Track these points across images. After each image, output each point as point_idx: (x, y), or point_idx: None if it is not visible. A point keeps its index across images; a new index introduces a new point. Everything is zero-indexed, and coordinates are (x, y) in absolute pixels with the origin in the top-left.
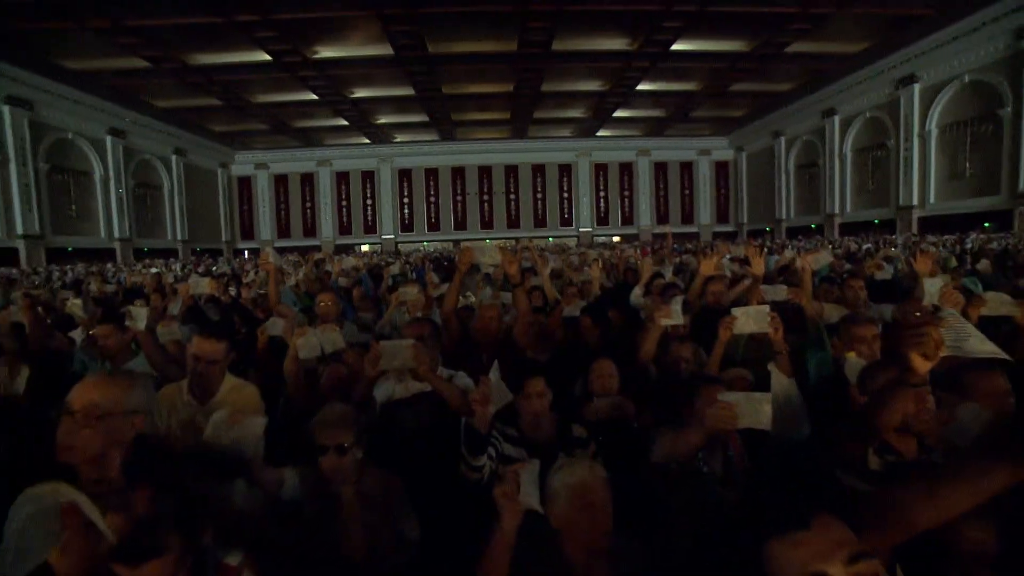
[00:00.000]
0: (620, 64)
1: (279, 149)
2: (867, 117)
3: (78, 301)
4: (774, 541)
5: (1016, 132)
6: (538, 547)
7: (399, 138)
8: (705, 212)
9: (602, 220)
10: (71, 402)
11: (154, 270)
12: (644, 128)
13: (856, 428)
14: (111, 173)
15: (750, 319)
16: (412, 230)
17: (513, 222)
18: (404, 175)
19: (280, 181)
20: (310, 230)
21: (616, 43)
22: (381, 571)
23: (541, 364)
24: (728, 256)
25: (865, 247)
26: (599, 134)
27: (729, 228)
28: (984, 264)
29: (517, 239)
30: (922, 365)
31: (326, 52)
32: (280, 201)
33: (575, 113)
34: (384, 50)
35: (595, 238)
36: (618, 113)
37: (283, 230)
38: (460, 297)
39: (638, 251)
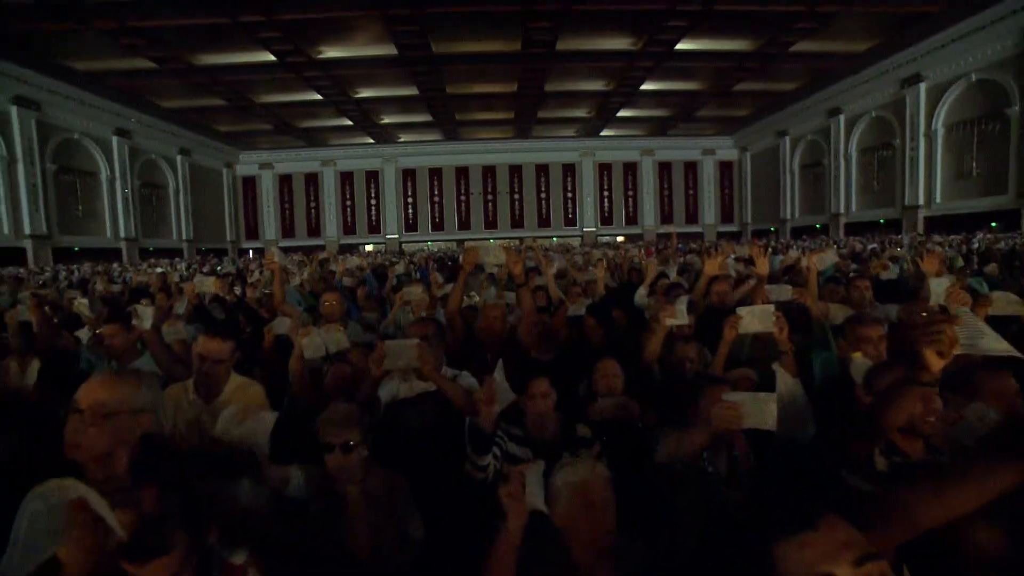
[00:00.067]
0: (624, 64)
1: (283, 149)
2: (872, 116)
3: (85, 300)
4: (781, 542)
5: None
6: (543, 547)
7: (403, 138)
8: (709, 212)
9: (606, 220)
10: (78, 400)
11: (159, 270)
12: (648, 128)
13: (862, 428)
14: (117, 173)
15: (755, 318)
16: (416, 230)
17: (517, 222)
18: (408, 175)
19: (284, 181)
20: (314, 230)
21: (620, 43)
22: (386, 570)
23: (545, 364)
24: (733, 256)
25: (870, 247)
26: (603, 134)
27: (733, 228)
28: (992, 267)
29: (521, 239)
30: (936, 363)
31: (330, 52)
32: (284, 201)
33: (579, 113)
34: (388, 50)
35: (599, 238)
36: (622, 113)
37: (287, 230)
38: (464, 297)
39: (642, 251)
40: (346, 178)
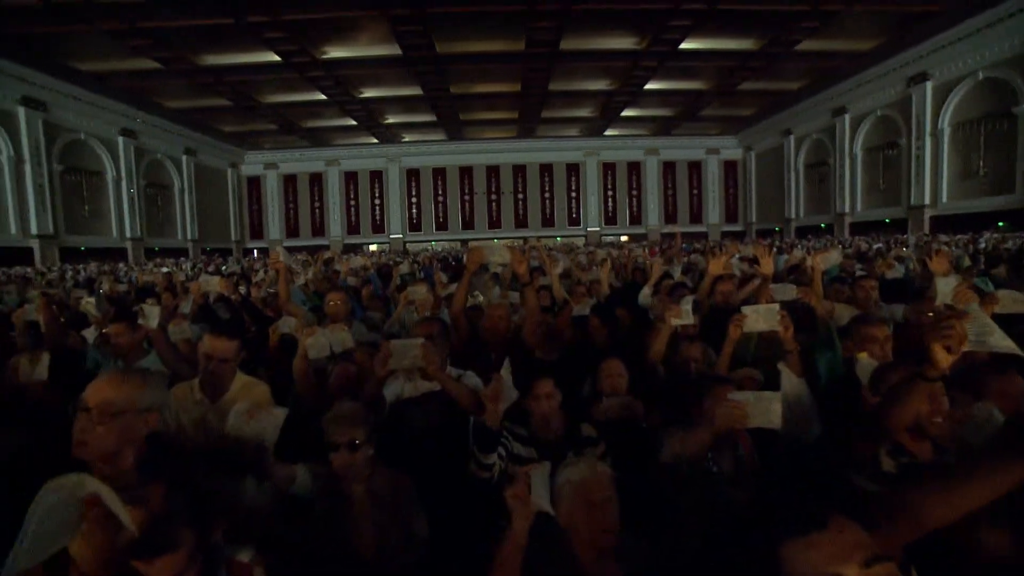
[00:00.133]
0: (628, 63)
1: (288, 149)
2: (878, 115)
3: (92, 300)
4: (789, 542)
5: None
6: (548, 548)
7: (407, 138)
8: (714, 212)
9: (610, 220)
10: (86, 399)
11: (165, 269)
12: (652, 127)
13: (869, 428)
14: (123, 173)
15: (760, 317)
16: (420, 229)
17: (521, 222)
18: (412, 175)
19: (289, 181)
20: (319, 229)
21: (624, 42)
22: (390, 569)
23: (549, 364)
24: (737, 255)
25: (876, 247)
26: (607, 133)
27: (738, 228)
28: (1000, 270)
29: (525, 239)
30: (944, 359)
31: (335, 52)
32: (289, 201)
33: (583, 112)
34: (392, 50)
35: (603, 238)
36: (626, 112)
37: (292, 229)
38: (468, 297)
39: (646, 251)
40: (350, 178)
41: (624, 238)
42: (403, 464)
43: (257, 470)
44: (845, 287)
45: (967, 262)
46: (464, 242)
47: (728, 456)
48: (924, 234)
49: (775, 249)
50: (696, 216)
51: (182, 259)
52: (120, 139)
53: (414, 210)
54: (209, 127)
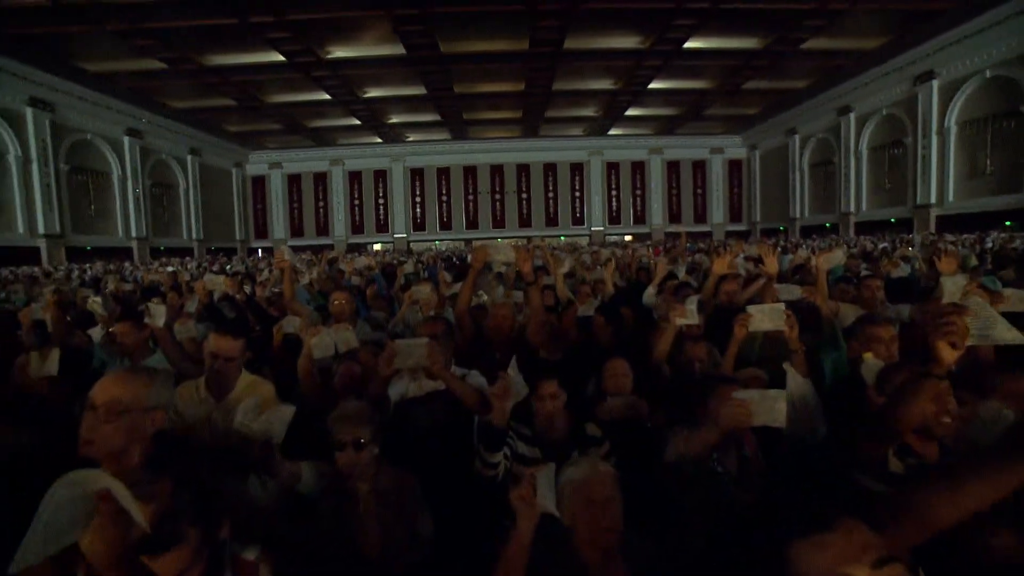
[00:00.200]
0: (632, 62)
1: (293, 149)
2: (884, 114)
3: (98, 299)
4: (798, 542)
5: None
6: (553, 548)
7: (411, 137)
8: (718, 211)
9: (614, 219)
10: (93, 397)
11: (170, 268)
12: (656, 126)
13: (875, 428)
14: (128, 173)
15: (766, 317)
16: (424, 229)
17: (525, 221)
18: (416, 174)
19: (294, 180)
20: (323, 229)
21: (628, 41)
22: (395, 568)
23: (554, 363)
24: (742, 255)
25: (881, 246)
26: (611, 133)
27: (742, 227)
28: (1008, 272)
29: (529, 238)
30: (949, 355)
31: (339, 52)
32: (293, 200)
33: (587, 112)
34: (396, 50)
35: (607, 237)
36: (630, 112)
37: (296, 229)
38: (472, 296)
39: (650, 250)
40: (354, 177)
41: (628, 238)
42: (408, 463)
43: (263, 467)
44: (850, 287)
45: (974, 262)
46: (468, 241)
47: (733, 456)
48: (930, 233)
49: (779, 249)
50: (700, 216)
51: (187, 258)
52: (126, 139)
53: (418, 209)
54: (214, 127)
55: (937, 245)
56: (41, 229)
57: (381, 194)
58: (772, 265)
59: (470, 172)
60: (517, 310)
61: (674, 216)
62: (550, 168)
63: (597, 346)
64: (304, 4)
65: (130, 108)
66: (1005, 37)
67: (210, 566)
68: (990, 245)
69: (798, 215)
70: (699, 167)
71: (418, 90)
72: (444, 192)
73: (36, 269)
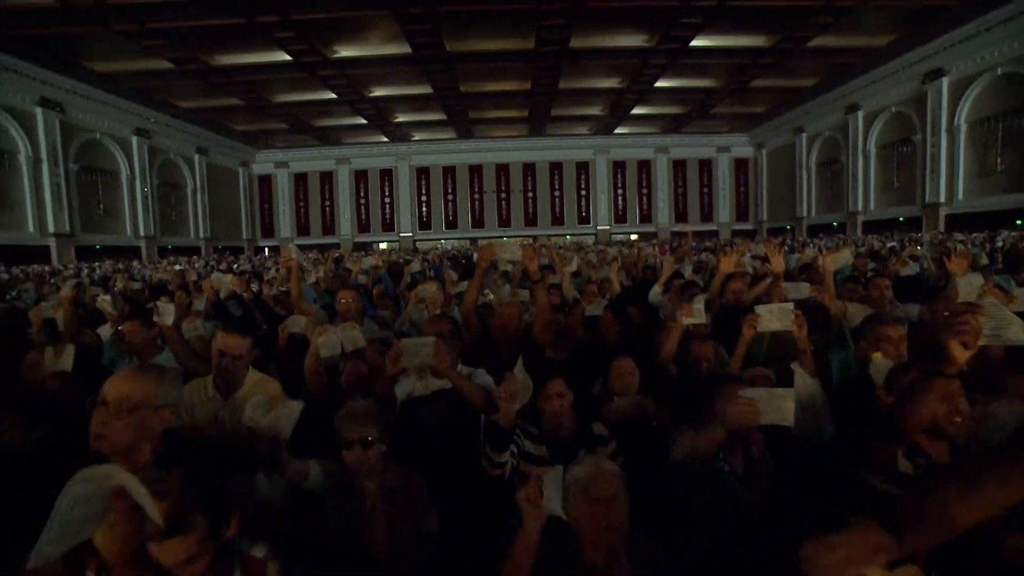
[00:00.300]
0: (638, 61)
1: (299, 148)
2: (892, 112)
3: (108, 297)
4: (810, 542)
5: None
6: (559, 548)
7: (417, 136)
8: (724, 210)
9: (620, 218)
10: (104, 394)
11: (178, 267)
12: (662, 125)
13: (884, 428)
14: (136, 172)
15: (774, 317)
16: (430, 228)
17: (531, 220)
18: (422, 173)
19: (300, 179)
20: (329, 228)
21: (634, 40)
22: (402, 566)
23: (560, 362)
24: (749, 254)
25: (890, 245)
26: (617, 131)
27: (749, 226)
28: (1021, 276)
29: (535, 237)
30: (961, 355)
31: (345, 51)
32: (300, 199)
33: (593, 110)
34: (402, 49)
35: (613, 236)
36: (636, 110)
37: (303, 228)
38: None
39: (656, 249)
40: (360, 176)
41: (634, 236)
42: (415, 461)
43: (271, 464)
44: (859, 286)
45: (984, 261)
46: (474, 240)
47: (740, 456)
48: (939, 232)
49: (786, 248)
50: (707, 214)
51: (195, 257)
52: (134, 139)
53: (424, 208)
54: (221, 126)
55: (946, 244)
56: (51, 228)
57: (387, 193)
58: (778, 264)
59: (476, 171)
60: (523, 309)
61: (680, 215)
62: (556, 167)
63: (604, 345)
64: (310, 4)
65: (138, 108)
66: (1016, 34)
67: (218, 563)
68: (1000, 244)
69: (805, 214)
70: (705, 166)
71: (424, 89)
72: (450, 191)
73: (46, 268)
